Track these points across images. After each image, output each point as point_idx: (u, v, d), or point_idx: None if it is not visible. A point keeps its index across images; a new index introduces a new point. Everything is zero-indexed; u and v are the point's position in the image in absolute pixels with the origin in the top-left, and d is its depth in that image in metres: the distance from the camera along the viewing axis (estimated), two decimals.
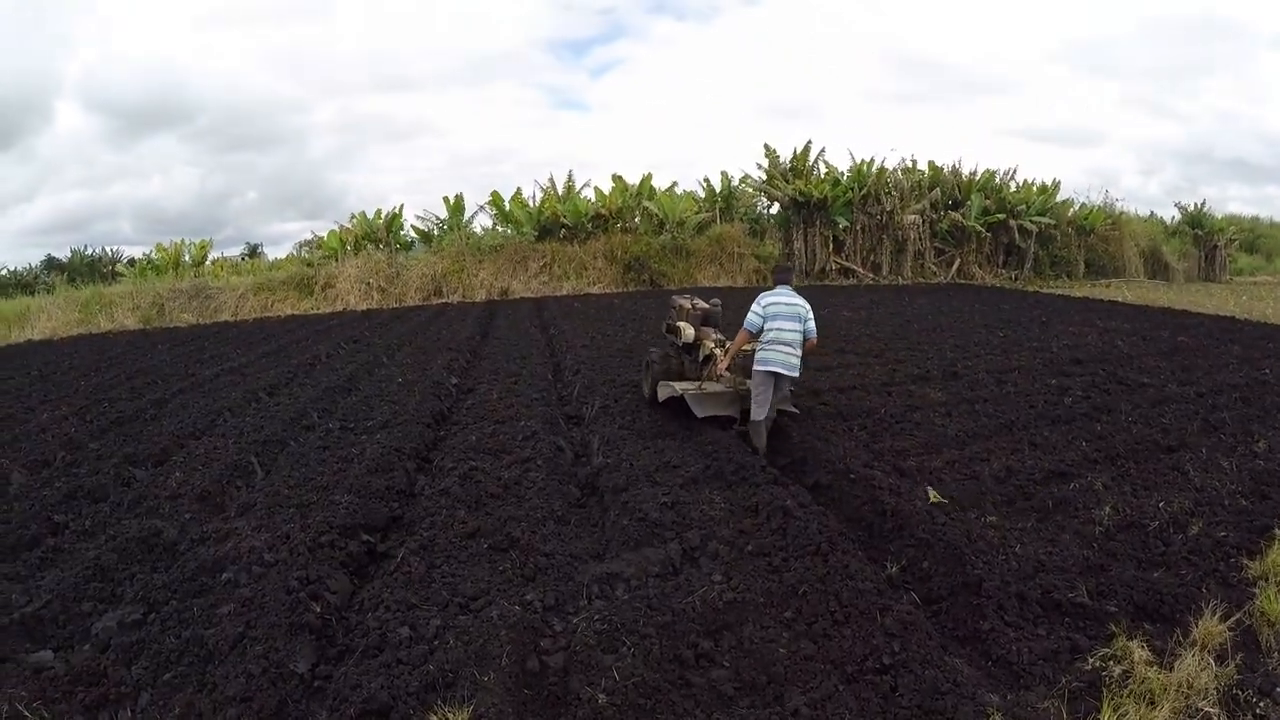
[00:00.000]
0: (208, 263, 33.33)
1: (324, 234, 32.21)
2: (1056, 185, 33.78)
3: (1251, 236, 47.75)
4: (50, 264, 44.56)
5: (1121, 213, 36.37)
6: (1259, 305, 22.46)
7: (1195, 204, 39.07)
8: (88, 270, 40.61)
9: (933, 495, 6.23)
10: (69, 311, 26.55)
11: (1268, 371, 11.15)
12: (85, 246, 46.89)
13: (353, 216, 31.67)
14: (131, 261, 36.34)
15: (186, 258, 32.51)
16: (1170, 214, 41.51)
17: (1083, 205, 34.96)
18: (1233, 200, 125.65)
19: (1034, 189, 33.54)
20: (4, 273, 42.64)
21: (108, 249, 46.64)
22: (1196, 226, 38.30)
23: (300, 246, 36.74)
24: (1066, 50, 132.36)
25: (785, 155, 31.39)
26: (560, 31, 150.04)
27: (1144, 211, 40.36)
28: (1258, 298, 25.51)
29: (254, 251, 42.18)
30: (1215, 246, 38.11)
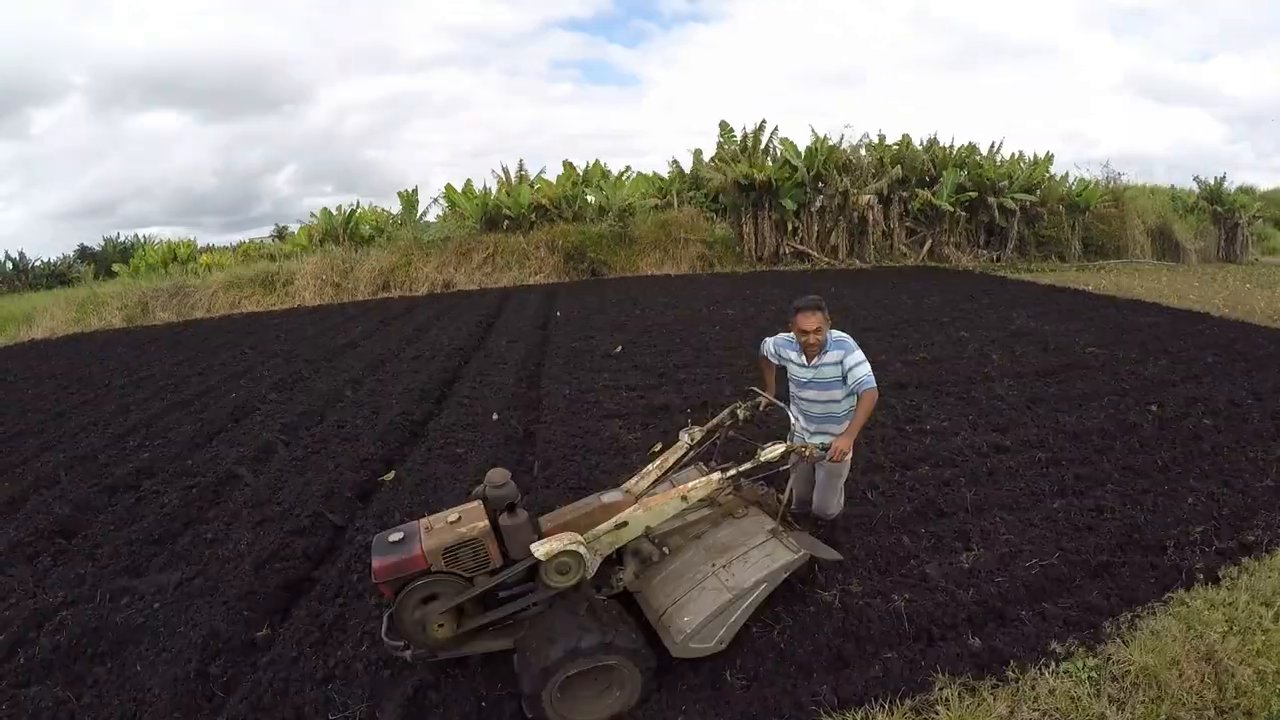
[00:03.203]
0: (199, 259, 34.13)
1: (295, 229, 32.84)
2: (1049, 158, 31.94)
3: None
4: (83, 253, 46.13)
5: (1125, 188, 34.04)
6: (1260, 293, 20.75)
7: (1215, 178, 36.20)
8: (120, 257, 41.65)
9: None
10: (67, 311, 27.52)
11: (1155, 409, 9.70)
12: (117, 234, 48.63)
13: (312, 215, 32.26)
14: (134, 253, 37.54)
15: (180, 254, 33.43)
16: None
17: (1079, 180, 32.84)
18: None
19: (1021, 163, 31.72)
20: (37, 264, 44.12)
21: (140, 235, 48.23)
22: (1215, 202, 35.43)
23: (274, 234, 37.52)
24: None
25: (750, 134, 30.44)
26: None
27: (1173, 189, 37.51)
28: (1267, 283, 23.57)
29: (282, 234, 42.66)
30: (1236, 224, 35.31)
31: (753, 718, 4.37)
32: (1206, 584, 5.57)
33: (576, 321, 17.96)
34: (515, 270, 28.37)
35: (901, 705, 4.37)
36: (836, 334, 5.48)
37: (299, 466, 8.86)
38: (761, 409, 5.79)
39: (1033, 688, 4.46)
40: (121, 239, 48.12)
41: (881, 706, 4.36)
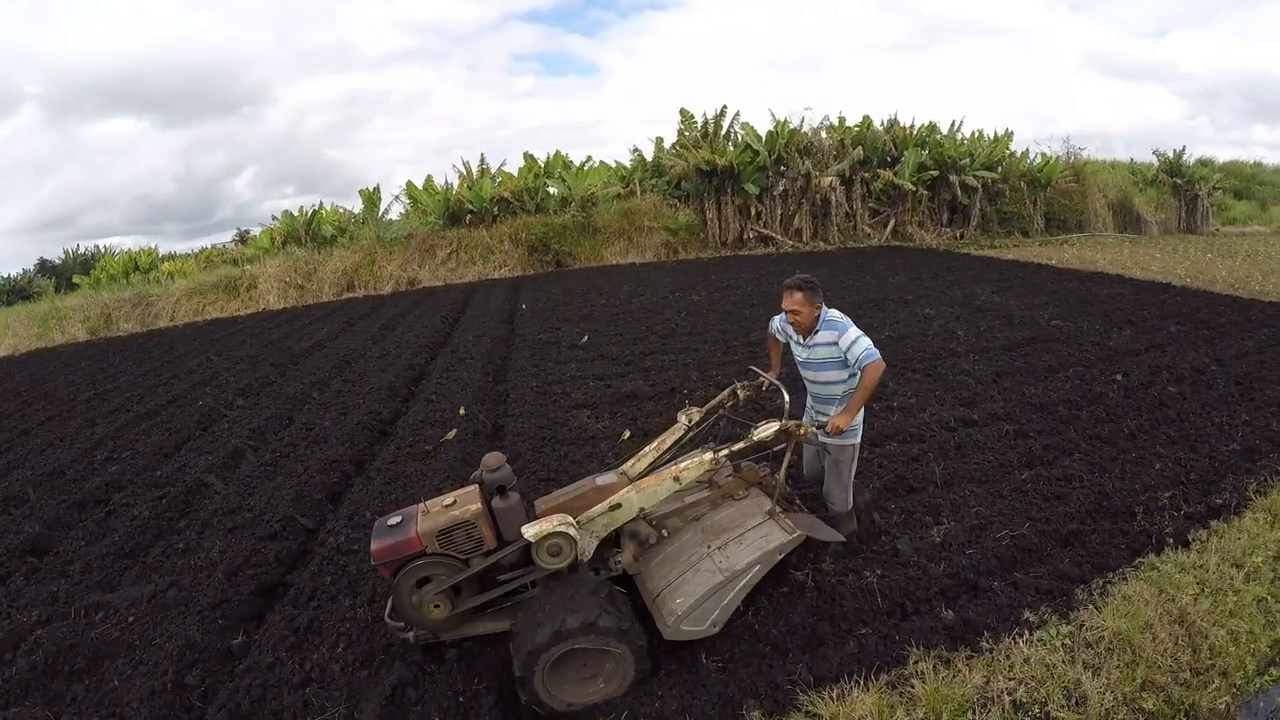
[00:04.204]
0: (161, 267, 33.68)
1: (257, 232, 32.52)
2: (1009, 135, 32.05)
3: (1250, 184, 44.49)
4: (43, 267, 45.31)
5: (1086, 162, 34.30)
6: (1223, 263, 21.21)
7: (1174, 151, 36.58)
8: (81, 269, 40.86)
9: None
10: (30, 326, 27.08)
11: (1120, 378, 9.89)
12: (78, 245, 47.65)
13: (274, 218, 31.93)
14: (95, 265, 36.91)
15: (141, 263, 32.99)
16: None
17: (1041, 155, 33.05)
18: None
19: (981, 141, 31.84)
20: None
21: (101, 245, 47.34)
22: (1175, 175, 35.76)
23: (236, 239, 37.12)
24: None
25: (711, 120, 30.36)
26: None
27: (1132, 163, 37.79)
28: (1227, 253, 23.98)
29: (244, 238, 42.05)
30: (1196, 196, 35.61)
31: (729, 700, 4.39)
32: (1176, 548, 5.65)
33: (542, 313, 17.96)
34: (479, 265, 28.28)
35: (877, 680, 4.41)
36: (833, 314, 5.37)
37: (268, 471, 8.80)
38: (763, 389, 5.80)
39: (1007, 657, 4.51)
40: (82, 250, 47.27)
41: (857, 682, 4.39)
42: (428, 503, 4.80)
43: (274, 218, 32.07)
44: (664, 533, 5.19)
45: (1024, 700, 4.16)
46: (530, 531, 4.48)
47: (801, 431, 5.12)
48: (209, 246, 38.04)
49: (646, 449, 5.40)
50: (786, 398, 5.17)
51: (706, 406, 5.58)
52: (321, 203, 33.75)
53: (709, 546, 4.92)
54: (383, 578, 4.82)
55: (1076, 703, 4.13)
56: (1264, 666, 4.44)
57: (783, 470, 5.26)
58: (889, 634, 4.85)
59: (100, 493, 8.66)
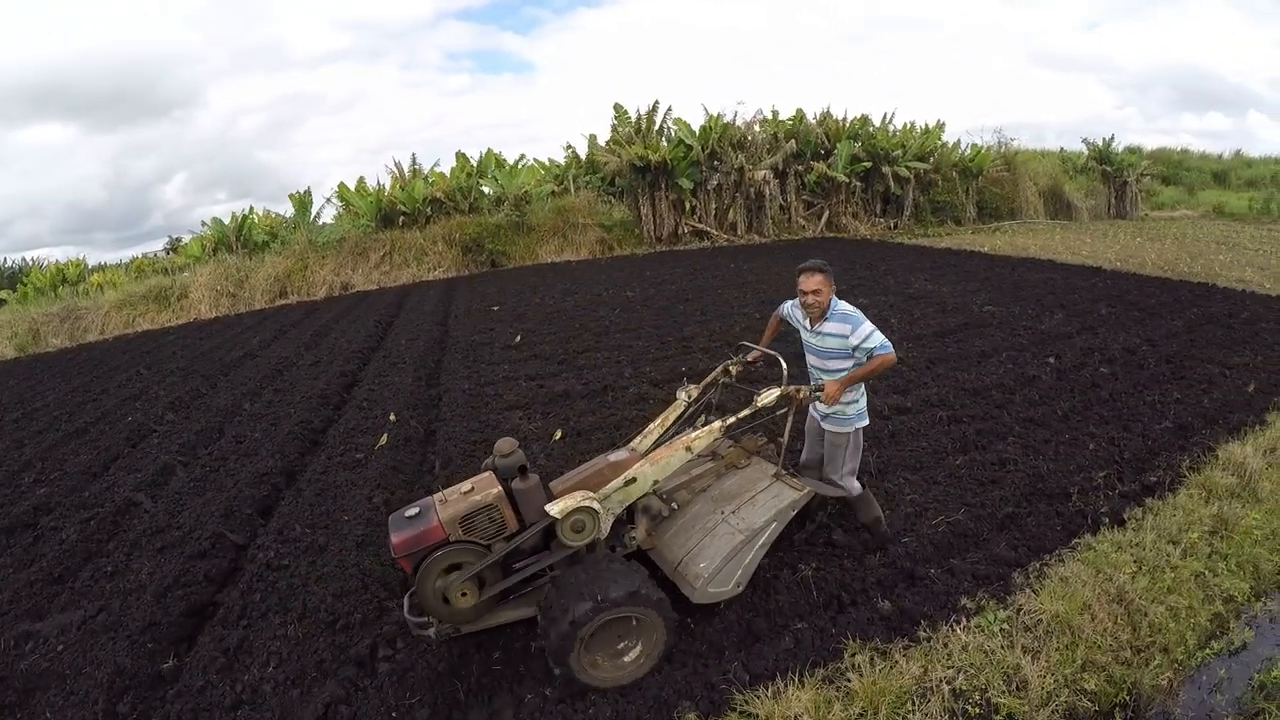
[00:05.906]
0: (89, 279, 32.85)
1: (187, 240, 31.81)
2: (940, 126, 32.53)
3: (1178, 170, 45.75)
4: None
5: (1017, 152, 35.08)
6: (1152, 246, 21.88)
7: (1103, 139, 37.49)
8: (9, 283, 39.68)
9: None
10: None
11: (1053, 360, 10.10)
12: (4, 259, 46.15)
13: (204, 224, 31.20)
14: (20, 280, 35.89)
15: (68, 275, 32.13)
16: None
17: (971, 146, 33.58)
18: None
19: (913, 132, 32.25)
20: None
21: (28, 257, 46.04)
22: (1105, 162, 36.65)
23: (168, 247, 36.34)
24: None
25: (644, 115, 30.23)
26: None
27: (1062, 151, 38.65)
28: (1155, 237, 24.70)
29: (175, 247, 41.05)
30: (1125, 182, 36.45)
31: (664, 703, 4.37)
32: (1112, 527, 5.78)
33: (476, 314, 17.82)
34: (413, 267, 27.96)
35: (813, 676, 4.44)
36: (846, 307, 5.41)
37: (198, 487, 8.63)
38: (751, 362, 5.92)
39: (945, 645, 4.56)
40: (9, 264, 45.96)
41: (793, 679, 4.40)
42: (443, 492, 4.82)
43: (204, 224, 31.40)
44: (674, 505, 5.35)
45: (964, 688, 4.16)
46: (556, 509, 4.52)
47: (801, 395, 5.28)
48: (140, 256, 37.12)
49: (651, 426, 5.55)
50: (784, 365, 5.33)
51: (703, 383, 5.75)
52: (252, 207, 33.14)
53: (722, 512, 5.09)
54: (403, 571, 4.85)
55: (1017, 688, 4.17)
56: (1204, 641, 4.52)
57: (785, 433, 5.45)
58: (825, 628, 4.89)
59: (28, 516, 8.39)
